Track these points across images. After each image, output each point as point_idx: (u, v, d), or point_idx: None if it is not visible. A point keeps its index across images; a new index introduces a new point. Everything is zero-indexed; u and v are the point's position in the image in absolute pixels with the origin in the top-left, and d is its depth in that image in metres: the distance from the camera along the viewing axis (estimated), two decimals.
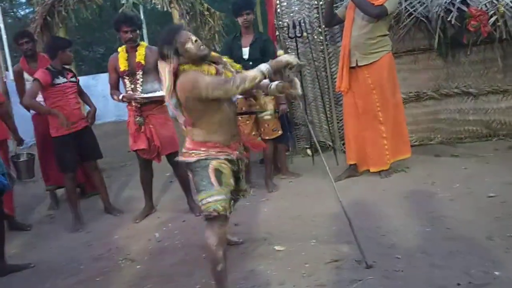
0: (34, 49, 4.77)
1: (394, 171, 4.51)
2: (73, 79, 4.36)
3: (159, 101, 4.11)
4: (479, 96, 5.19)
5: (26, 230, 4.36)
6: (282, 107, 4.57)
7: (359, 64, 4.33)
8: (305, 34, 5.31)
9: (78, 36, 12.88)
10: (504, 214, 3.28)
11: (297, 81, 2.64)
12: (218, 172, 2.56)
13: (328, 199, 3.99)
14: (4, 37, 8.12)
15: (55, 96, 4.16)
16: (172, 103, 2.64)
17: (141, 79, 4.04)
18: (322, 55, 5.44)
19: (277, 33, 5.45)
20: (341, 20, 4.54)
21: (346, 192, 3.94)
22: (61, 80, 4.19)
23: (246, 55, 4.38)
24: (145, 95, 4.00)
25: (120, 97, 4.09)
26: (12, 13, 14.95)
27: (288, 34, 5.27)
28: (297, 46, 5.25)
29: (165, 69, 2.58)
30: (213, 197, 2.52)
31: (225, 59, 2.78)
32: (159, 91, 4.03)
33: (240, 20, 4.43)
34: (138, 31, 4.09)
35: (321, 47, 5.43)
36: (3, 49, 7.46)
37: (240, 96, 3.12)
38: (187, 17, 5.25)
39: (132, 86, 4.07)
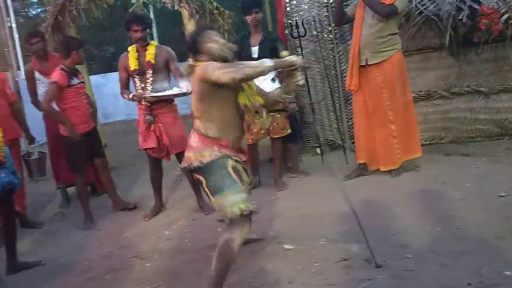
0: (45, 49, 4.81)
1: (404, 170, 4.49)
2: (83, 79, 4.40)
3: (169, 100, 4.13)
4: (490, 95, 5.13)
5: (37, 228, 4.41)
6: (291, 106, 4.57)
7: (369, 62, 4.31)
8: (315, 32, 5.31)
9: (89, 35, 12.94)
10: None
11: (299, 75, 2.59)
12: (236, 171, 2.54)
13: (338, 198, 3.96)
14: (16, 36, 8.20)
15: (71, 97, 4.18)
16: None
17: (151, 78, 4.07)
18: (332, 54, 5.42)
19: (286, 31, 5.44)
20: (350, 19, 4.52)
21: (355, 191, 3.93)
22: (75, 81, 4.22)
23: (255, 54, 4.37)
24: (155, 94, 4.02)
25: (130, 96, 4.12)
26: (23, 13, 15.08)
27: (291, 33, 5.25)
28: (301, 45, 5.24)
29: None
30: (239, 195, 2.48)
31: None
32: (168, 90, 4.06)
33: (249, 18, 4.43)
34: (148, 30, 4.11)
35: (331, 46, 5.41)
36: (15, 48, 7.53)
37: None
38: (197, 16, 5.26)
39: (142, 85, 4.10)
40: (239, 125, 2.69)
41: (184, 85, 4.05)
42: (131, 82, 4.22)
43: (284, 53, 2.69)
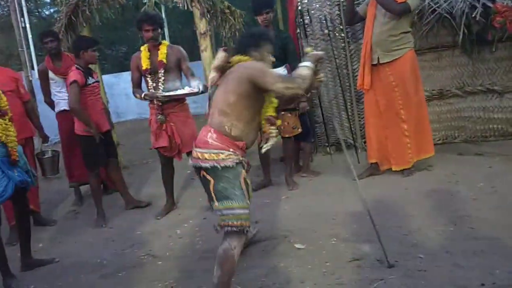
0: (59, 48, 4.86)
1: (417, 169, 4.46)
2: (97, 79, 4.44)
3: (180, 99, 4.15)
4: (504, 93, 5.07)
5: (51, 226, 4.46)
6: (302, 104, 4.56)
7: (381, 61, 4.29)
8: (326, 31, 5.30)
9: (101, 35, 13.04)
10: None
11: (321, 71, 2.71)
12: (246, 184, 2.52)
13: (349, 197, 3.97)
14: (29, 36, 8.29)
15: (87, 96, 4.21)
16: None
17: (163, 78, 4.09)
18: (344, 53, 5.40)
19: (297, 30, 5.43)
20: (362, 18, 4.50)
21: (367, 190, 3.91)
22: (91, 80, 4.26)
23: None
24: (167, 93, 4.04)
25: (142, 95, 4.14)
26: (37, 13, 15.24)
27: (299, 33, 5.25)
28: (302, 45, 5.23)
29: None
30: (245, 210, 2.47)
31: None
32: (180, 89, 4.08)
33: (260, 19, 4.42)
34: (159, 30, 4.13)
35: (343, 44, 5.38)
36: (28, 48, 7.62)
37: None
38: (208, 16, 5.27)
39: (154, 84, 4.12)
40: (258, 129, 2.71)
41: (195, 84, 4.07)
42: (143, 82, 4.25)
43: (308, 49, 2.74)
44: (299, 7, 5.44)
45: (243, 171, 2.53)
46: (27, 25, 8.35)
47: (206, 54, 5.19)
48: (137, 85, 4.26)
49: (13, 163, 3.20)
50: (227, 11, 5.88)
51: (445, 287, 2.46)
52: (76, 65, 4.21)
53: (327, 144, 5.53)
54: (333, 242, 3.17)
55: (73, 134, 4.36)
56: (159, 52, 4.09)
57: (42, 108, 5.41)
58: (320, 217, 3.65)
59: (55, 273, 3.36)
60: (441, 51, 5.19)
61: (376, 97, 4.42)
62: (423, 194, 3.89)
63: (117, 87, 10.65)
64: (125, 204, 4.62)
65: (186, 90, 4.07)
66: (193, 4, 5.09)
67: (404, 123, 4.35)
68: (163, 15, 8.54)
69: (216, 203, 2.49)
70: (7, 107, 3.24)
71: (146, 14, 4.30)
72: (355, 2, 4.65)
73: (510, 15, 4.61)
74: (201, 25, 5.15)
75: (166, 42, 4.31)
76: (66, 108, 4.76)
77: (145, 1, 5.33)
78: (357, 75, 4.87)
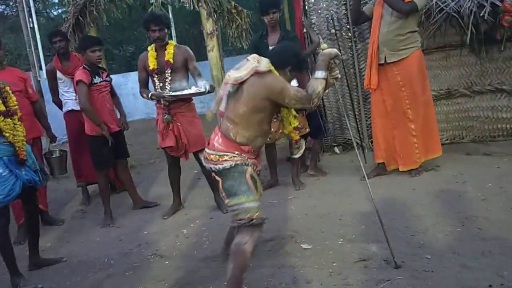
0: (67, 48, 4.89)
1: (424, 169, 4.44)
2: (108, 78, 4.45)
3: (187, 99, 4.16)
4: None
5: (59, 225, 4.48)
6: None
7: (388, 61, 4.27)
8: (333, 31, 5.29)
9: (109, 35, 13.11)
10: None
11: (337, 69, 2.72)
12: (253, 180, 2.56)
13: (356, 197, 3.96)
14: (37, 36, 8.33)
15: (92, 95, 4.23)
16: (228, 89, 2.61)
17: (170, 78, 4.09)
18: (351, 52, 5.38)
19: (304, 30, 5.42)
20: (368, 18, 4.49)
21: (374, 190, 3.86)
22: (97, 79, 4.28)
23: None
24: (174, 93, 4.04)
25: (149, 95, 4.15)
26: (45, 13, 15.34)
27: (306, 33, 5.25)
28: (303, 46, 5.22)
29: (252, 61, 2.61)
30: (254, 203, 2.51)
31: None
32: (187, 89, 4.08)
33: (266, 19, 4.42)
34: (166, 30, 4.14)
35: (349, 44, 5.37)
36: (37, 48, 7.66)
37: None
38: (215, 16, 5.28)
39: (161, 84, 4.13)
40: (266, 135, 2.73)
41: (202, 84, 4.07)
42: (150, 82, 4.26)
43: (324, 45, 2.74)
44: (306, 7, 5.43)
45: (249, 168, 2.56)
46: (35, 26, 8.39)
47: (213, 54, 5.19)
48: (144, 85, 4.27)
49: (21, 162, 3.22)
50: (234, 11, 5.89)
51: None
52: (84, 65, 4.25)
53: (334, 144, 5.52)
54: (340, 242, 3.16)
55: (80, 134, 4.39)
56: (166, 52, 4.10)
57: (50, 108, 5.44)
58: (326, 217, 3.64)
59: (62, 272, 3.38)
60: (448, 51, 5.15)
61: (383, 97, 4.40)
62: (430, 195, 3.87)
63: (125, 87, 10.72)
64: (133, 204, 4.65)
65: (193, 90, 4.07)
66: (200, 4, 5.10)
67: (412, 123, 4.33)
68: (170, 15, 8.55)
69: (227, 200, 2.58)
70: (16, 106, 3.27)
71: (153, 14, 4.31)
72: (362, 2, 4.63)
73: None
74: (208, 25, 5.16)
75: (173, 42, 4.31)
76: (74, 108, 4.80)
77: (152, 1, 5.34)
78: (364, 75, 4.86)
